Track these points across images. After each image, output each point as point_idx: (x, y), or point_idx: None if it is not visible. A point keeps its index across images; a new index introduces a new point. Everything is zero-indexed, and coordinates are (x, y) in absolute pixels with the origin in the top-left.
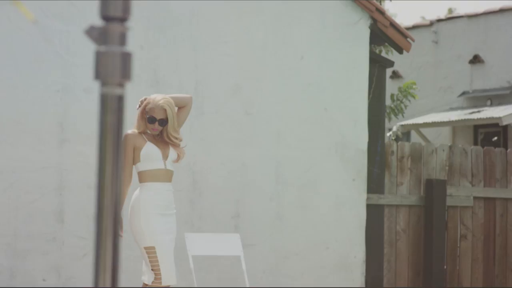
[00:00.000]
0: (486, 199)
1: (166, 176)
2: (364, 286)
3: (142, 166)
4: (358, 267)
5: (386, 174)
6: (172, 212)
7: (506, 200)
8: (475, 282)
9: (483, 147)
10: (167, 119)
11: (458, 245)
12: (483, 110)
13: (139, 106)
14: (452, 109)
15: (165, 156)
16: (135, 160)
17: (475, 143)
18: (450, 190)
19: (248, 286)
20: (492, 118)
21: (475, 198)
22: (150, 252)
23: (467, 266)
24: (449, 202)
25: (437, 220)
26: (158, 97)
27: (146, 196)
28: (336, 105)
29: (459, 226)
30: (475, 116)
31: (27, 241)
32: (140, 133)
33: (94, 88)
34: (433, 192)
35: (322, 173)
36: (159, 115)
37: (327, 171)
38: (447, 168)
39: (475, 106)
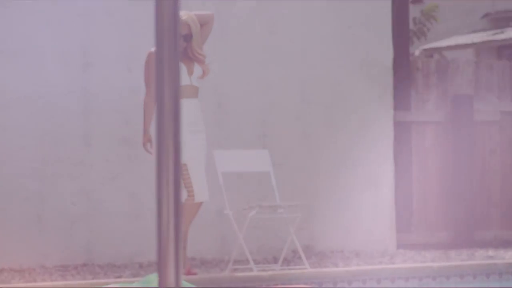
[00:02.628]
0: None
1: (192, 92)
2: (394, 203)
3: None
4: (387, 184)
5: (412, 91)
6: (202, 128)
7: None
8: (504, 196)
9: None
10: (191, 34)
11: (487, 161)
12: (506, 31)
13: None
14: (474, 31)
15: (190, 72)
16: None
17: None
18: (477, 105)
19: (278, 203)
20: None
21: (502, 112)
22: (182, 169)
23: (497, 181)
24: (476, 117)
25: (465, 136)
26: (181, 13)
27: None
28: (360, 22)
29: (486, 141)
30: (499, 37)
31: (56, 165)
32: None
33: (116, 10)
34: (460, 107)
35: (347, 91)
36: (183, 31)
37: (353, 89)
38: (473, 84)
39: (498, 28)
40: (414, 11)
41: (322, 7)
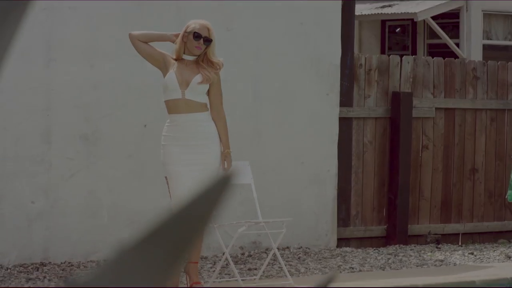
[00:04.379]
0: (446, 109)
1: (186, 106)
2: (336, 199)
3: (163, 95)
4: (331, 180)
5: (355, 87)
6: (199, 143)
7: (464, 110)
8: (434, 191)
9: (391, 40)
10: (211, 39)
11: (420, 155)
12: (394, 5)
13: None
14: (358, 1)
15: (184, 85)
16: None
17: (383, 37)
18: (414, 102)
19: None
20: (407, 13)
21: (436, 109)
22: (167, 182)
23: (428, 176)
24: (413, 113)
25: (404, 133)
26: (199, 20)
27: (165, 128)
28: (312, 20)
29: (421, 137)
30: (388, 10)
31: (15, 163)
32: (174, 59)
33: (80, 5)
34: (400, 105)
35: (298, 88)
36: (203, 33)
37: (303, 86)
38: (411, 80)
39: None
40: None
41: (276, 3)
